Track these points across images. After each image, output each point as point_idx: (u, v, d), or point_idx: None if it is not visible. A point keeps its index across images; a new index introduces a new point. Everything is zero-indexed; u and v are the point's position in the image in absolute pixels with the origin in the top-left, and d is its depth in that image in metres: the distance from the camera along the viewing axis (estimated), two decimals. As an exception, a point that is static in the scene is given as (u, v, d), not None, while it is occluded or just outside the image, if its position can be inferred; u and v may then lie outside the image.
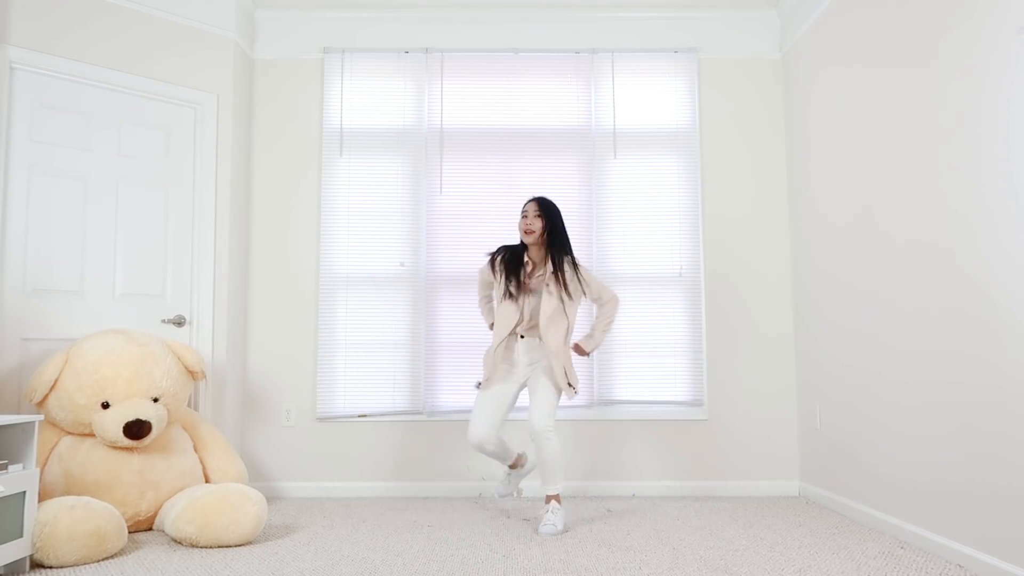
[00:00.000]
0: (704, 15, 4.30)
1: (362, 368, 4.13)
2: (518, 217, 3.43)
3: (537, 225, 3.35)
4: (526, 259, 3.40)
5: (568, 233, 3.45)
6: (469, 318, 4.10)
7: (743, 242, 4.22)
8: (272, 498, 4.01)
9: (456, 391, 4.11)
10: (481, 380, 3.39)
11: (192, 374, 3.42)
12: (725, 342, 4.17)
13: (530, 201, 3.43)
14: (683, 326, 4.17)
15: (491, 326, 3.56)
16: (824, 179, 3.75)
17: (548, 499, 3.28)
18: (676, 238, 4.21)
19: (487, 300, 3.61)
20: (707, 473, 4.09)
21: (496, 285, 3.43)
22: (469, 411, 4.07)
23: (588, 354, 3.53)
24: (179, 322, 3.74)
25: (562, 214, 3.44)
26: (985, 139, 2.53)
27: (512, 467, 3.52)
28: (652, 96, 4.30)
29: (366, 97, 4.28)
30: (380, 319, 4.16)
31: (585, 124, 4.27)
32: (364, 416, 4.11)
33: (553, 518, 3.21)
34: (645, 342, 4.14)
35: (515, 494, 3.61)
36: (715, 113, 4.30)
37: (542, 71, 4.31)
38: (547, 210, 3.38)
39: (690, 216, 4.22)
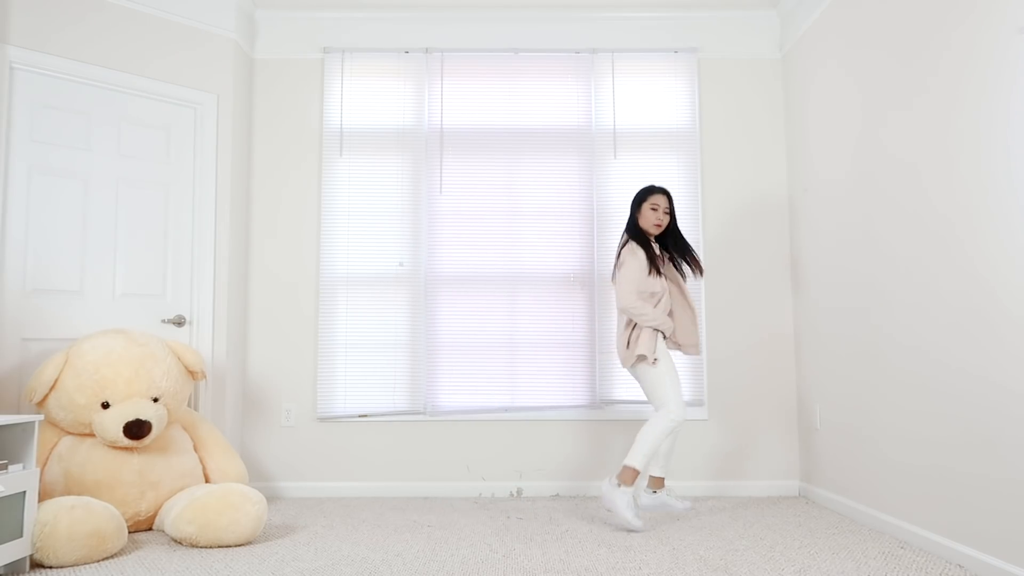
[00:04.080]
0: (704, 15, 4.30)
1: (362, 368, 4.13)
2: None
3: (666, 220, 3.42)
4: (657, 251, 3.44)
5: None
6: (469, 318, 4.10)
7: (743, 242, 4.22)
8: (272, 498, 4.01)
9: (456, 391, 4.11)
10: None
11: (192, 374, 3.42)
12: (725, 342, 4.17)
13: (660, 193, 3.42)
14: (683, 326, 4.16)
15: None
16: (824, 179, 3.75)
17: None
18: (676, 238, 4.20)
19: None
20: (707, 473, 4.09)
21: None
22: (469, 411, 4.09)
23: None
24: (179, 322, 3.74)
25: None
26: (986, 137, 2.53)
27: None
28: (652, 96, 4.29)
29: (366, 97, 4.28)
30: (380, 319, 4.16)
31: (585, 124, 4.27)
32: (364, 416, 4.11)
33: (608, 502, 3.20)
34: (645, 342, 4.14)
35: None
36: (715, 113, 4.30)
37: (542, 71, 4.31)
38: (672, 206, 3.46)
39: (690, 216, 4.22)
